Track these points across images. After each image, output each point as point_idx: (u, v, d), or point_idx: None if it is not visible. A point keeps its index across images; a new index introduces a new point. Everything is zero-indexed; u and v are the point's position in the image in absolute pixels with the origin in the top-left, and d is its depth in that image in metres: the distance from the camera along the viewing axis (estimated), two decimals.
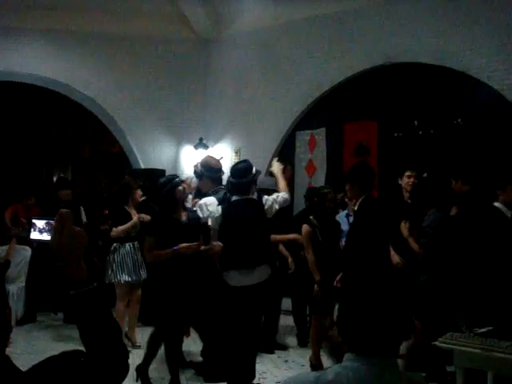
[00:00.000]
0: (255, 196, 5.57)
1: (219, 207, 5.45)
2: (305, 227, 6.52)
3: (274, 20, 10.29)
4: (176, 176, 6.00)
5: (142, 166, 11.00)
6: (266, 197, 5.67)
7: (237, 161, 10.81)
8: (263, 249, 5.46)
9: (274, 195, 5.73)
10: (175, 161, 11.28)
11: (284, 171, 6.27)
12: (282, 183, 5.89)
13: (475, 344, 3.63)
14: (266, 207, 5.57)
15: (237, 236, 5.36)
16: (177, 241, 5.45)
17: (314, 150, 9.97)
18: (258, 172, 5.69)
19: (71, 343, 7.12)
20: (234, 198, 5.47)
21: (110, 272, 7.16)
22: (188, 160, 11.26)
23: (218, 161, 6.41)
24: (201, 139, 11.09)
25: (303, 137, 10.15)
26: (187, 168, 11.27)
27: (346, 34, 9.43)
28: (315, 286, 6.29)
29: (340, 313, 1.81)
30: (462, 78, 8.30)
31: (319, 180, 9.74)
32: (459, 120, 8.35)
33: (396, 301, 1.76)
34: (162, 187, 5.65)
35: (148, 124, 11.10)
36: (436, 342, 3.81)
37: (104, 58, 10.88)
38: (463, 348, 3.67)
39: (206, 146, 11.14)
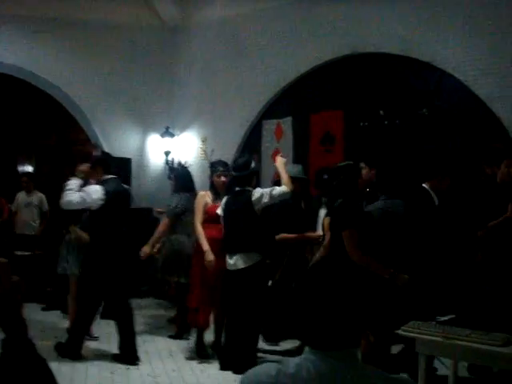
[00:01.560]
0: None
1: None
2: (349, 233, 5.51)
3: (241, 8, 10.25)
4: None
5: None
6: (257, 189, 6.17)
7: (204, 149, 10.83)
8: (248, 237, 5.98)
9: (270, 188, 6.16)
10: (141, 149, 11.21)
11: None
12: (284, 177, 6.15)
13: (437, 332, 3.67)
14: (252, 198, 6.01)
15: (227, 223, 6.18)
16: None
17: (280, 139, 9.98)
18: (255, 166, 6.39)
19: None
20: (236, 189, 6.19)
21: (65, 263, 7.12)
22: (154, 149, 11.20)
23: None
24: (167, 128, 11.04)
25: (270, 126, 10.15)
26: (153, 157, 11.21)
27: (313, 24, 9.42)
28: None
29: (291, 307, 1.79)
30: (427, 69, 8.36)
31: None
32: (424, 110, 8.41)
33: (349, 292, 1.73)
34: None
35: (114, 112, 10.99)
36: (399, 331, 3.85)
37: (70, 46, 10.69)
38: (426, 336, 3.72)
39: (172, 135, 11.09)
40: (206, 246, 6.30)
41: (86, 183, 6.40)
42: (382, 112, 8.79)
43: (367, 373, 1.73)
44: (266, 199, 5.99)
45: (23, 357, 1.96)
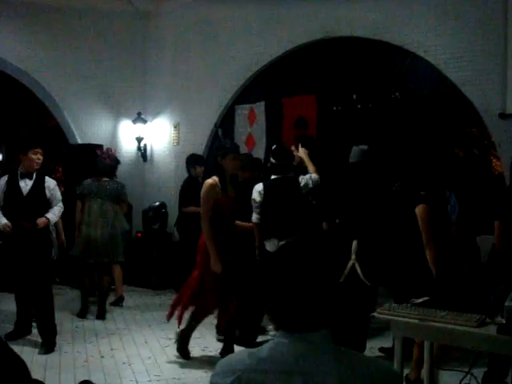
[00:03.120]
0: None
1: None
2: (423, 208, 5.13)
3: None
4: None
5: (79, 141, 10.79)
6: (301, 176, 6.35)
7: (176, 135, 10.77)
8: (302, 220, 6.22)
9: (309, 175, 6.36)
10: (113, 135, 11.10)
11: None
12: (310, 166, 6.46)
13: (412, 314, 3.68)
14: (301, 184, 6.27)
15: (277, 209, 6.19)
16: None
17: (253, 123, 9.94)
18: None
19: None
20: (275, 176, 6.36)
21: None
22: (126, 135, 11.10)
23: None
24: (139, 113, 10.96)
25: (242, 111, 10.11)
26: (125, 143, 11.12)
27: (285, 8, 9.37)
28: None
29: (262, 289, 1.78)
30: (399, 53, 8.36)
31: (259, 154, 9.73)
32: (397, 94, 8.43)
33: (319, 271, 1.72)
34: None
35: (85, 98, 10.86)
36: (374, 313, 3.86)
37: (39, 31, 10.51)
38: (401, 318, 3.73)
39: (144, 121, 11.01)
40: (215, 254, 5.67)
41: None
42: (354, 96, 8.80)
43: (342, 353, 1.72)
44: (310, 185, 6.30)
45: None
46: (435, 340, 4.03)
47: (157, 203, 10.25)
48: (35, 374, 2.46)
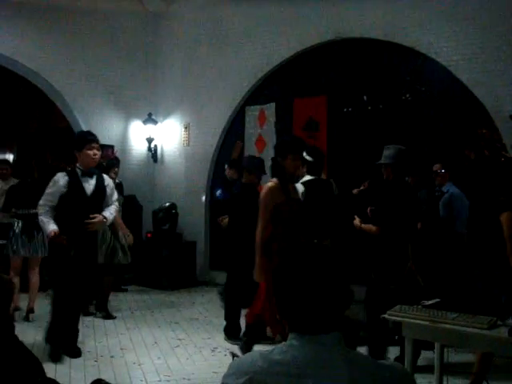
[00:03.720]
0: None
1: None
2: (508, 215, 4.77)
3: None
4: None
5: None
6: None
7: (186, 136, 10.79)
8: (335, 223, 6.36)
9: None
10: (124, 136, 11.12)
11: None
12: None
13: (423, 316, 3.67)
14: (333, 187, 6.63)
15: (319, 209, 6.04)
16: None
17: (263, 125, 9.94)
18: None
19: None
20: (311, 177, 6.25)
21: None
22: (137, 135, 11.13)
23: None
24: (150, 114, 10.98)
25: (253, 112, 10.11)
26: (136, 143, 11.14)
27: (297, 9, 9.38)
28: None
29: (275, 291, 1.78)
30: (410, 54, 8.36)
31: (269, 155, 9.72)
32: (408, 95, 8.42)
33: (332, 274, 1.72)
34: None
35: (96, 99, 10.87)
36: (385, 315, 3.85)
37: (51, 32, 10.53)
38: (412, 320, 3.72)
39: (155, 122, 11.03)
40: (260, 264, 5.22)
41: None
42: (365, 97, 8.79)
43: (353, 357, 1.72)
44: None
45: (11, 350, 1.98)
46: (446, 342, 4.01)
47: (167, 204, 10.26)
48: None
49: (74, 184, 5.94)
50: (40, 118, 11.78)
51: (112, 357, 6.12)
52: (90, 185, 6.01)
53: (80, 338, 6.57)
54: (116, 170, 8.13)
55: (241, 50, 10.08)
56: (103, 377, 5.20)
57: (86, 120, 10.82)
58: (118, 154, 10.07)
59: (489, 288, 4.20)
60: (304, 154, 5.91)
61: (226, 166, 8.62)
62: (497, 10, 7.56)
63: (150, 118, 10.99)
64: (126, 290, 9.42)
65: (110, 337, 6.88)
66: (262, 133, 9.95)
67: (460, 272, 4.89)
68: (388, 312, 3.86)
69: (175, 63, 11.00)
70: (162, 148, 11.20)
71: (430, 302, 3.92)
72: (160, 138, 11.17)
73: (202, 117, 10.58)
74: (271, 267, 4.92)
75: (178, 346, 6.52)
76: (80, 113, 10.81)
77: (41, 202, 5.89)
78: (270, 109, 9.86)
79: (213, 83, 10.41)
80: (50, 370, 5.43)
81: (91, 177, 6.04)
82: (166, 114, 11.14)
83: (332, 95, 9.11)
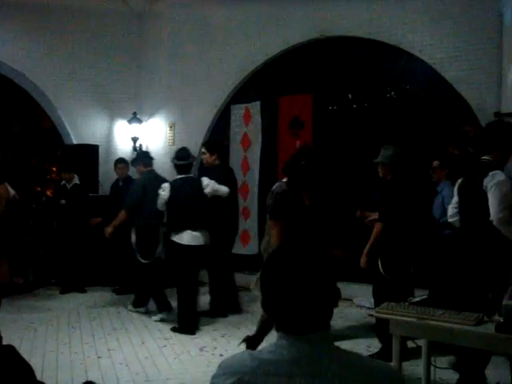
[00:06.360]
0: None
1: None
2: None
3: None
4: None
5: (75, 142, 10.76)
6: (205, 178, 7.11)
7: (171, 135, 10.77)
8: (200, 216, 6.91)
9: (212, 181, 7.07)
10: (108, 136, 11.08)
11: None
12: None
13: (410, 313, 3.69)
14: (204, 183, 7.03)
15: (180, 205, 6.84)
16: None
17: (248, 123, 9.94)
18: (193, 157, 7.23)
19: None
20: (178, 176, 6.98)
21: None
22: (122, 135, 11.09)
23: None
24: (135, 113, 10.95)
25: (238, 110, 10.11)
26: (121, 143, 11.10)
27: (281, 7, 9.38)
28: None
29: (262, 291, 1.77)
30: (394, 52, 8.38)
31: (254, 153, 9.75)
32: (392, 93, 8.45)
33: (319, 272, 1.71)
34: None
35: (80, 99, 10.82)
36: (372, 313, 3.87)
37: (34, 31, 10.47)
38: (399, 317, 3.73)
39: (139, 121, 11.00)
40: None
41: None
42: (350, 95, 8.81)
43: (342, 355, 1.72)
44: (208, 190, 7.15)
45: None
46: (433, 339, 4.03)
47: None
48: None
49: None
50: (25, 118, 11.70)
51: (99, 357, 6.10)
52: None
53: (66, 340, 6.56)
54: None
55: (225, 49, 10.06)
56: (90, 378, 5.21)
57: (70, 120, 10.78)
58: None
59: (475, 285, 4.21)
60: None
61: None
62: (481, 8, 7.59)
63: (134, 118, 10.96)
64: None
65: (97, 337, 6.84)
66: (247, 131, 9.95)
67: (447, 269, 4.91)
68: (376, 310, 3.87)
69: (160, 62, 10.98)
70: (147, 147, 11.16)
71: (417, 299, 3.94)
72: (145, 138, 11.14)
73: (187, 116, 10.56)
74: None
75: (165, 346, 6.50)
76: (64, 113, 10.76)
77: None
78: (256, 107, 9.85)
79: (198, 82, 10.39)
80: (36, 371, 5.40)
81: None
82: (151, 113, 11.12)
83: (317, 93, 9.12)
